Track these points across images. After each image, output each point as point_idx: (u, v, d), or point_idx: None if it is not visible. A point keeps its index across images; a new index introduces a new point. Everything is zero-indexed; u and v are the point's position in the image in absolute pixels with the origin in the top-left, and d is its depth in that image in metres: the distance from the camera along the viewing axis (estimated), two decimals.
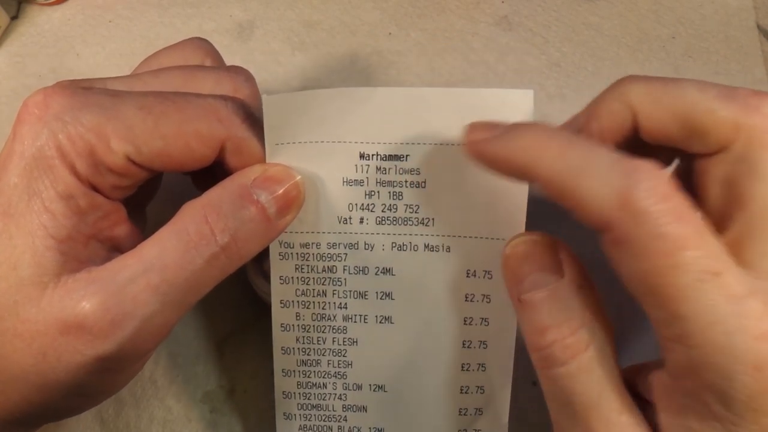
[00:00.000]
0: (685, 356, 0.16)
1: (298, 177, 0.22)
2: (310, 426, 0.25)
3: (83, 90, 0.20)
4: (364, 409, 0.25)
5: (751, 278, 0.16)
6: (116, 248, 0.21)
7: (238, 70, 0.24)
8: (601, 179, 0.16)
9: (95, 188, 0.20)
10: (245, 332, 0.29)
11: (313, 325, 0.24)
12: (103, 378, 0.20)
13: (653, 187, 0.16)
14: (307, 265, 0.23)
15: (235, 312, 0.30)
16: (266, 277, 0.27)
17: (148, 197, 0.26)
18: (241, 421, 0.28)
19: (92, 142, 0.19)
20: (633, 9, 0.36)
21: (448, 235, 0.23)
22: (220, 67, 0.24)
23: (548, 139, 0.17)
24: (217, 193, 0.21)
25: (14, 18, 0.37)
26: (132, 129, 0.20)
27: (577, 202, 0.17)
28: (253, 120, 0.22)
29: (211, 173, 0.23)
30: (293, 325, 0.24)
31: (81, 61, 0.36)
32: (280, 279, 0.24)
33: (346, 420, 0.25)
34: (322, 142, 0.22)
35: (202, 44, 0.25)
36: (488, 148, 0.19)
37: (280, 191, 0.21)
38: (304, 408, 0.25)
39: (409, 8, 0.37)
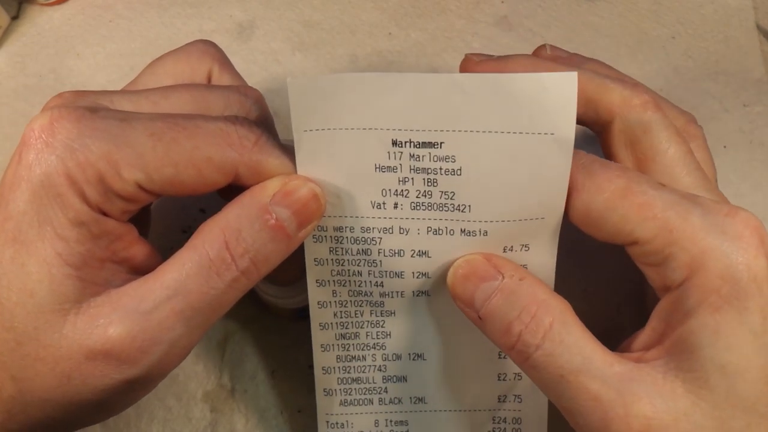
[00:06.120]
0: (686, 254, 0.19)
1: (318, 189, 0.21)
2: (351, 400, 0.25)
3: (90, 113, 0.19)
4: (404, 379, 0.25)
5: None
6: (133, 268, 0.21)
7: (247, 92, 0.24)
8: (612, 89, 0.22)
9: (105, 213, 0.20)
10: (245, 332, 0.29)
11: (350, 300, 0.24)
12: (128, 396, 0.21)
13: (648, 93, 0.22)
14: (341, 248, 0.23)
15: (235, 312, 0.29)
16: (266, 277, 0.27)
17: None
18: (241, 421, 0.28)
19: (102, 170, 0.19)
20: (633, 9, 0.36)
21: (486, 221, 0.22)
22: (230, 88, 0.24)
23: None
24: (236, 214, 0.20)
25: (14, 18, 0.37)
26: (143, 157, 0.19)
27: (597, 105, 0.22)
28: (266, 139, 0.21)
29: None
30: (330, 301, 0.24)
31: (81, 61, 0.36)
32: (315, 261, 0.23)
33: (386, 391, 0.25)
34: (353, 129, 0.21)
35: (208, 48, 0.25)
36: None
37: (300, 205, 0.21)
38: (344, 382, 0.25)
39: (409, 8, 0.37)
